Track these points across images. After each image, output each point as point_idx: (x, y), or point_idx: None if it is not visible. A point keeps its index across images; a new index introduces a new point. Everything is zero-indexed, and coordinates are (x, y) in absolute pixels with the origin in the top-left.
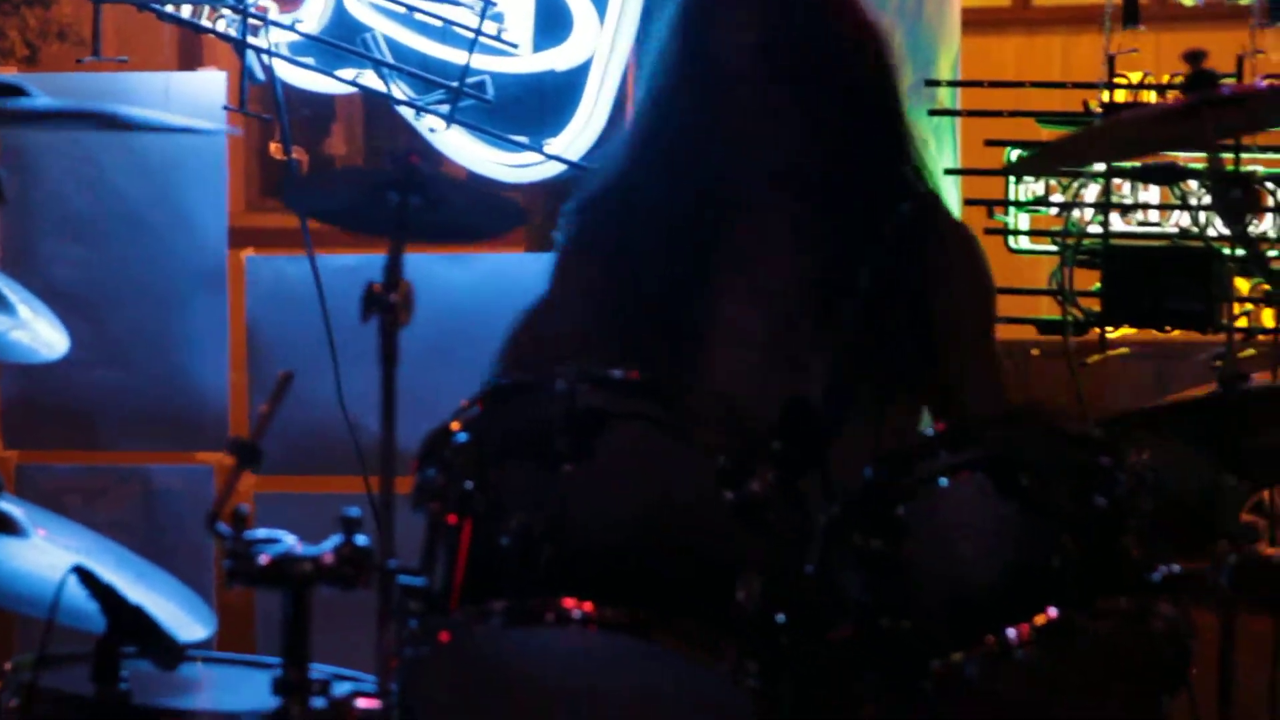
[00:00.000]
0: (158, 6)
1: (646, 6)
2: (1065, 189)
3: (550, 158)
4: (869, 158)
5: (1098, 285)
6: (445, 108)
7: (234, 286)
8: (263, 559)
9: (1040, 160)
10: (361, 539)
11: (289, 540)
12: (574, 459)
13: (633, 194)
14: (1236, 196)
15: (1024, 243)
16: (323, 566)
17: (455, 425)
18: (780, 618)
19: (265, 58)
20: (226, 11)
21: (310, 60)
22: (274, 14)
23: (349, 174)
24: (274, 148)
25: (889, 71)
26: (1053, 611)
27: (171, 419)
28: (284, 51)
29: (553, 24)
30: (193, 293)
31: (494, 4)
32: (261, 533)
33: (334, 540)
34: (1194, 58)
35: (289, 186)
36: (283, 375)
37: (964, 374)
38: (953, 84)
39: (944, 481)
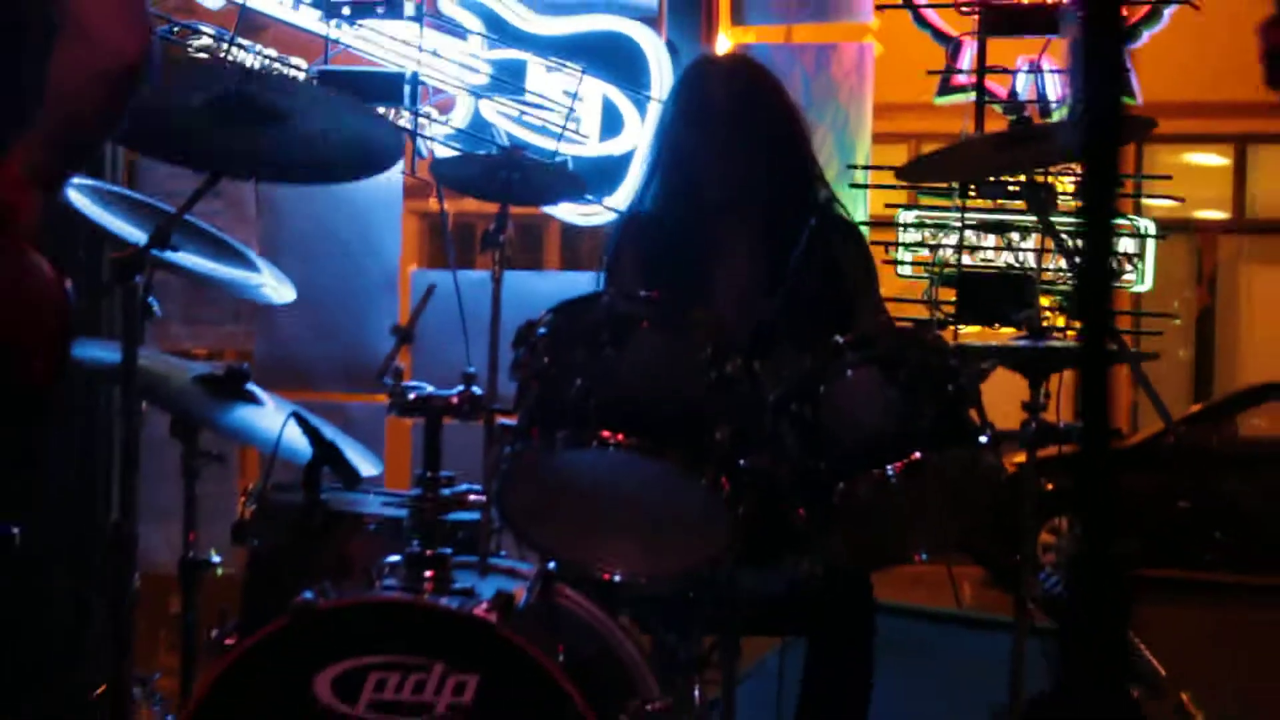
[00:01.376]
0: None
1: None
2: (934, 237)
3: (608, 209)
4: (794, 187)
5: (953, 299)
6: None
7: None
8: (411, 396)
9: (915, 168)
10: (476, 389)
11: (429, 387)
12: (613, 346)
13: (654, 210)
14: (1041, 195)
15: (906, 271)
16: (449, 404)
17: (539, 324)
18: (742, 454)
19: (427, 143)
20: (406, 114)
21: (461, 143)
22: (436, 115)
23: (474, 157)
24: (432, 202)
25: (807, 138)
26: (917, 455)
27: (363, 381)
28: (443, 137)
29: (611, 123)
30: (379, 292)
31: (574, 111)
32: (412, 381)
33: (457, 388)
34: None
35: (436, 166)
36: (430, 286)
37: (862, 308)
38: (865, 168)
39: (849, 372)
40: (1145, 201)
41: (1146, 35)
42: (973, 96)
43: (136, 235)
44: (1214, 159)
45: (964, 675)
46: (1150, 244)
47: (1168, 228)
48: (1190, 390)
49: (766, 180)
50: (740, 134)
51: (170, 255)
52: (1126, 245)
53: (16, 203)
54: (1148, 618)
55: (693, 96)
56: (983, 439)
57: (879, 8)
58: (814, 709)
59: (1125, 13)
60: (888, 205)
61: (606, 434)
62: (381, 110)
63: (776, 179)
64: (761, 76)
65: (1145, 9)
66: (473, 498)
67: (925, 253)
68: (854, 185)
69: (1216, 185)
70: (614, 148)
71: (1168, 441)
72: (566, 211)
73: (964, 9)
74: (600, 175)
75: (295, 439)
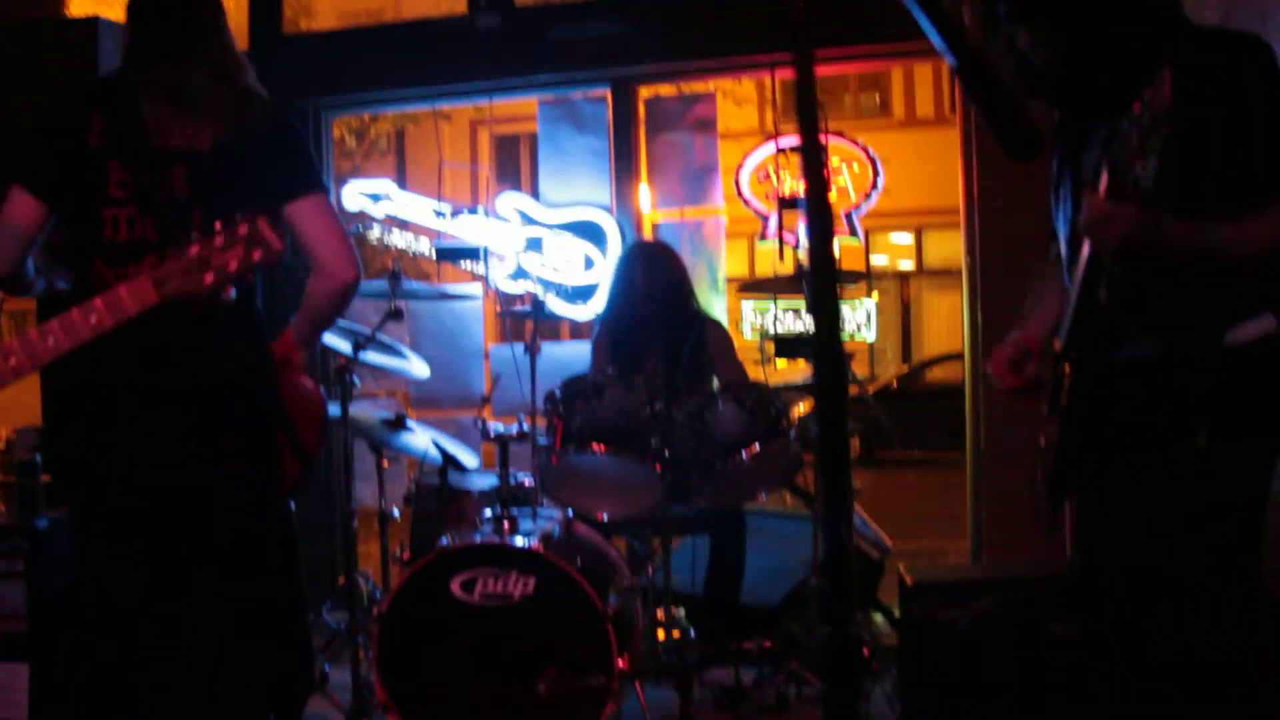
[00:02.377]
0: (453, 261)
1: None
2: (762, 312)
3: (589, 309)
4: (684, 309)
5: (774, 348)
6: (553, 295)
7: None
8: (492, 434)
9: (751, 286)
10: (526, 427)
11: (501, 426)
12: (596, 398)
13: (612, 319)
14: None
15: (748, 333)
16: (512, 437)
17: (556, 390)
18: (667, 450)
19: (492, 280)
20: (482, 265)
21: (511, 280)
22: (497, 268)
23: (518, 309)
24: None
25: (687, 279)
26: (756, 447)
27: (468, 403)
28: (502, 277)
29: (588, 265)
30: (473, 358)
31: (569, 260)
32: (492, 423)
33: (516, 426)
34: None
35: (501, 314)
36: (497, 375)
37: (726, 368)
38: (725, 280)
39: (720, 405)
40: (873, 263)
41: (865, 208)
42: (778, 244)
43: (345, 347)
44: (905, 237)
45: (791, 543)
46: (874, 316)
47: (883, 277)
48: (900, 358)
49: (670, 308)
50: (657, 282)
51: (363, 357)
52: (861, 316)
53: (295, 356)
54: (875, 482)
55: (633, 263)
56: (791, 435)
57: (728, 199)
58: (715, 568)
59: (854, 192)
60: (739, 290)
61: (596, 445)
62: (467, 264)
63: (675, 307)
64: (669, 252)
65: (866, 192)
66: (526, 483)
67: (759, 323)
68: (716, 291)
69: (907, 251)
70: (591, 278)
71: (891, 388)
72: (567, 311)
73: (769, 198)
74: (583, 292)
75: (433, 451)
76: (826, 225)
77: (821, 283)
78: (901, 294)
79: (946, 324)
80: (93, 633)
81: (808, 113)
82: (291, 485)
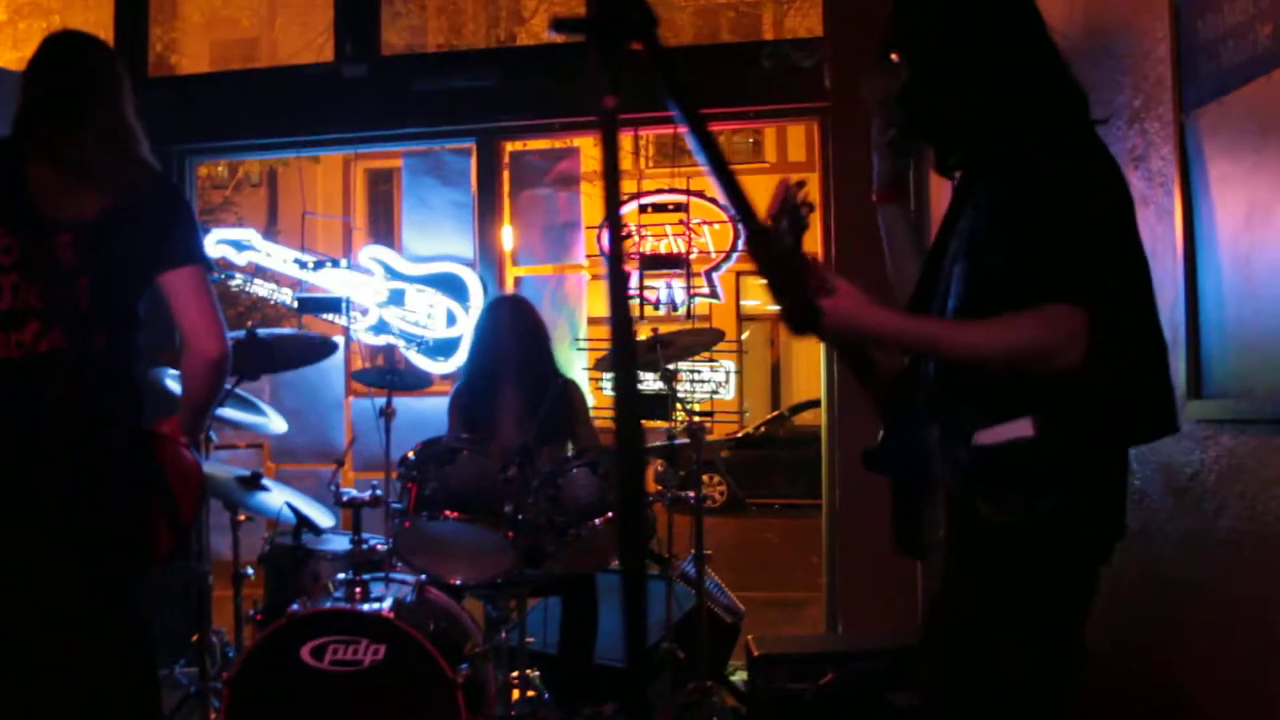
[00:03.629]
0: (314, 313)
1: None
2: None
3: (451, 364)
4: (542, 370)
5: None
6: (415, 349)
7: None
8: (345, 499)
9: (602, 363)
10: (379, 493)
11: (354, 492)
12: (450, 464)
13: (469, 378)
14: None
15: (608, 390)
16: (365, 502)
17: (410, 453)
18: (520, 516)
19: (354, 333)
20: (343, 318)
21: (373, 333)
22: (359, 320)
23: (374, 371)
24: (360, 362)
25: (547, 337)
26: (609, 514)
27: (327, 456)
28: (364, 329)
29: (451, 319)
30: (332, 410)
31: (431, 314)
32: (345, 489)
33: (369, 492)
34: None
35: (357, 375)
36: (351, 439)
37: (583, 431)
38: (584, 339)
39: (574, 471)
40: (744, 306)
41: (725, 266)
42: (638, 302)
43: None
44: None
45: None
46: (732, 376)
47: (753, 319)
48: (769, 401)
49: (529, 366)
50: (517, 339)
51: (220, 412)
52: (719, 375)
53: (178, 437)
54: (742, 529)
55: (493, 319)
56: (646, 499)
57: (589, 256)
58: (567, 629)
59: (714, 251)
60: (594, 366)
61: (448, 512)
62: (329, 316)
63: (534, 365)
64: (529, 309)
65: (726, 252)
66: (380, 549)
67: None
68: (579, 348)
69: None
70: (453, 333)
71: (757, 434)
72: (427, 365)
73: (631, 257)
74: (445, 346)
75: (287, 512)
76: (625, 312)
77: (620, 361)
78: (772, 338)
79: (815, 368)
80: None
81: (612, 191)
82: (166, 557)
